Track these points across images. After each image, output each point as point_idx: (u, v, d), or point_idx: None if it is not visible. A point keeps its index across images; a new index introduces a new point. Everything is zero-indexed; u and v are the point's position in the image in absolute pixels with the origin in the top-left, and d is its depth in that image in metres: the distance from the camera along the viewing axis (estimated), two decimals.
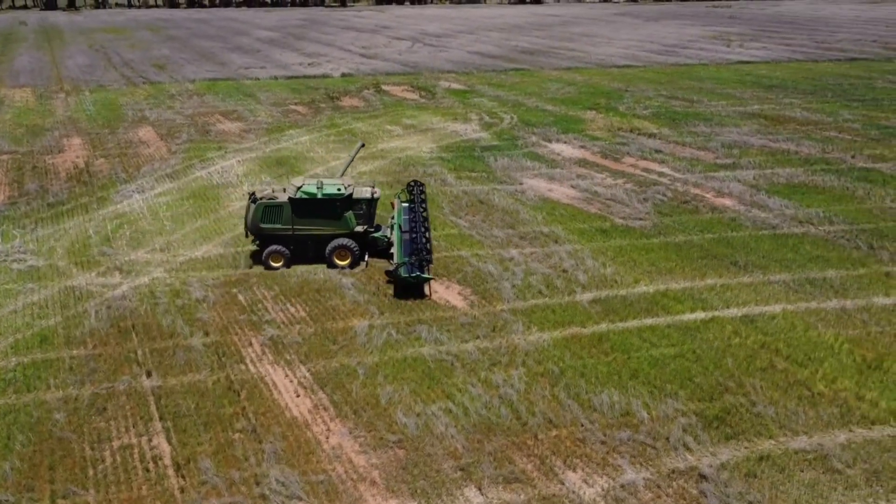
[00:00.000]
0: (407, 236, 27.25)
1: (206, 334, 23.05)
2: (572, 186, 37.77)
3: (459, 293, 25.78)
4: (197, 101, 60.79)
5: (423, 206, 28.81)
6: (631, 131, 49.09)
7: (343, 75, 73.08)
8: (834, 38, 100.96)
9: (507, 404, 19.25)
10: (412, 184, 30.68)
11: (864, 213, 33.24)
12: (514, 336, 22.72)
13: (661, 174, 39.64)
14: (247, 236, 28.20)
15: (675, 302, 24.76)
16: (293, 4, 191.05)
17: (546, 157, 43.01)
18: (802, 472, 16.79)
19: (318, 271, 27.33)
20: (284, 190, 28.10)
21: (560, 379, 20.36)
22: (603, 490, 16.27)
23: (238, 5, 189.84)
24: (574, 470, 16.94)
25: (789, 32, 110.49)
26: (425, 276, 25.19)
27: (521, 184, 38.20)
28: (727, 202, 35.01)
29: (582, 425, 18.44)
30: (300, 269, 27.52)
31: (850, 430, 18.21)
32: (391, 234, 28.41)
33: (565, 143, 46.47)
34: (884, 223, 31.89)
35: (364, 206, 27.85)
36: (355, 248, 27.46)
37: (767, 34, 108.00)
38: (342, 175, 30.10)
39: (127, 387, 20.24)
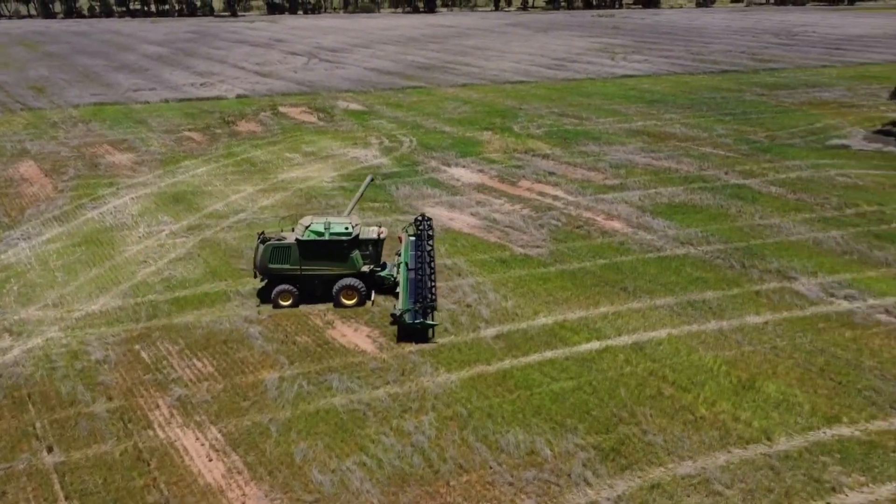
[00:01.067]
0: (412, 275, 27.97)
1: (110, 399, 22.57)
2: (472, 214, 39.06)
3: (368, 336, 26.36)
4: (83, 130, 58.21)
5: (430, 242, 29.75)
6: (526, 152, 51.08)
7: (238, 97, 71.80)
8: (708, 50, 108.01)
9: (420, 452, 20.04)
10: (419, 218, 31.71)
11: (736, 231, 36.26)
12: (423, 379, 23.55)
13: (555, 198, 41.60)
14: (255, 276, 29.03)
15: (572, 333, 26.33)
16: (180, 14, 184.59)
17: (446, 184, 44.17)
18: (689, 496, 18.51)
19: (224, 321, 27.19)
20: (293, 229, 28.91)
21: (468, 421, 21.36)
22: None
23: (121, 15, 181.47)
24: None
25: (668, 44, 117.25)
26: (430, 322, 25.71)
27: (423, 213, 39.08)
28: (616, 225, 37.27)
29: (491, 468, 19.49)
30: (205, 320, 27.28)
31: (729, 452, 20.16)
32: (397, 272, 28.94)
33: (464, 167, 47.83)
34: (754, 241, 34.94)
35: (370, 247, 28.46)
36: (362, 288, 28.00)
37: (648, 46, 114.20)
38: (349, 213, 30.23)
39: (27, 465, 19.62)
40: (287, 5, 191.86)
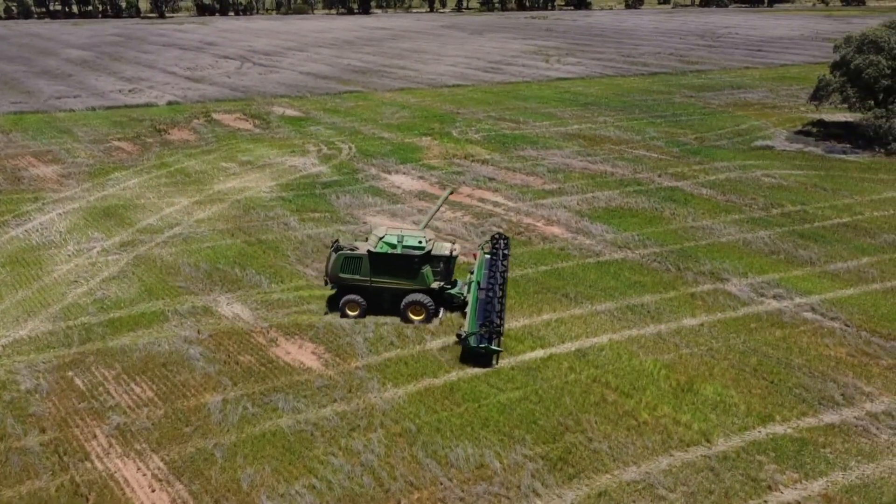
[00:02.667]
0: (482, 295, 27.50)
1: (43, 431, 21.63)
2: (415, 223, 39.00)
3: (313, 352, 26.06)
4: (3, 141, 55.54)
5: (505, 263, 29.12)
6: (465, 158, 51.39)
7: (169, 103, 69.80)
8: (638, 52, 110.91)
9: (369, 471, 19.94)
10: (497, 236, 31.20)
11: (671, 234, 37.39)
12: (370, 395, 23.43)
13: (496, 204, 42.01)
14: (326, 284, 28.76)
15: (517, 342, 26.64)
16: (104, 15, 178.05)
17: (387, 192, 44.03)
18: (634, 502, 18.99)
19: (162, 342, 26.42)
20: (367, 239, 28.65)
21: (417, 437, 21.37)
22: None
23: (40, 17, 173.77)
24: None
25: (599, 46, 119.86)
26: (494, 347, 24.89)
27: (364, 223, 38.90)
28: (556, 230, 37.90)
29: (441, 483, 19.56)
30: (142, 342, 26.44)
31: (671, 455, 20.79)
32: (468, 291, 28.35)
33: (404, 174, 47.79)
34: (687, 243, 36.10)
35: (442, 264, 27.98)
36: (430, 305, 27.53)
37: (580, 48, 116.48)
38: (425, 227, 29.77)
39: None
40: (217, 6, 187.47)
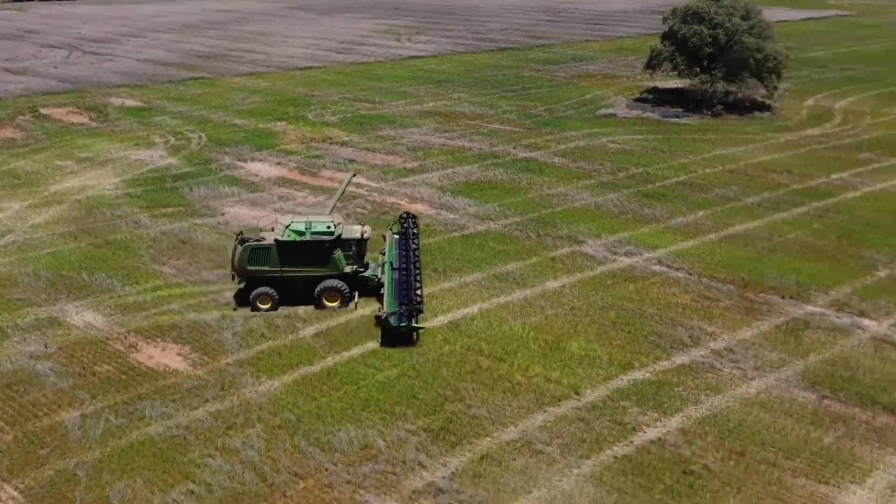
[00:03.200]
0: (397, 275, 26.60)
1: None
2: (276, 210, 37.97)
3: (178, 353, 24.88)
4: None
5: (416, 241, 28.32)
6: (323, 141, 50.56)
7: None
8: (486, 28, 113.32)
9: (251, 468, 19.45)
10: (404, 216, 30.54)
11: (529, 203, 38.93)
12: (244, 390, 22.76)
13: (358, 185, 41.73)
14: (233, 279, 27.76)
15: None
16: None
17: (244, 181, 42.51)
18: (515, 460, 19.85)
19: (4, 361, 24.15)
20: (272, 229, 27.56)
21: (298, 427, 21.07)
22: None
23: None
24: None
25: (448, 23, 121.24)
26: (416, 325, 24.56)
27: (223, 214, 37.40)
28: (420, 207, 38.31)
29: (327, 469, 19.45)
30: None
31: (545, 411, 21.87)
32: (381, 273, 27.43)
33: (261, 161, 46.30)
34: (545, 211, 37.76)
35: (353, 247, 27.49)
36: (345, 290, 27.02)
37: (430, 26, 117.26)
38: (331, 211, 28.88)
39: None
40: None
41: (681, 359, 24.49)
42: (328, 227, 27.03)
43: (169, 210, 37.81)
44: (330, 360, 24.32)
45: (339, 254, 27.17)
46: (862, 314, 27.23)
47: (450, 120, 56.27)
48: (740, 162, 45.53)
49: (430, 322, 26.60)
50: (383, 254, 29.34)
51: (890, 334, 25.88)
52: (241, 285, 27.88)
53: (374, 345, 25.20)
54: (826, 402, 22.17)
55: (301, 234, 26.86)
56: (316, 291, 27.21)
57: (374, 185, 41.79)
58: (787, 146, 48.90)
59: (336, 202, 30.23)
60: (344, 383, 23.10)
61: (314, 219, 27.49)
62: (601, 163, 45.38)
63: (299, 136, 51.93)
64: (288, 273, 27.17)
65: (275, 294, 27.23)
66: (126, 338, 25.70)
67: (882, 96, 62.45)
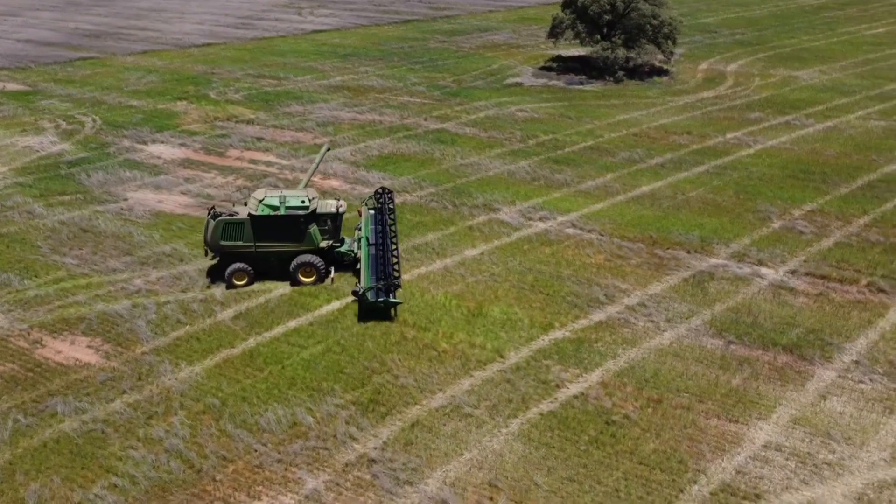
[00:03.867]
0: (374, 251, 25.82)
1: None
2: (183, 193, 36.61)
3: (89, 346, 23.75)
4: None
5: (392, 216, 27.50)
6: (228, 119, 48.85)
7: None
8: (389, 0, 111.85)
9: (176, 456, 18.91)
10: (380, 191, 29.45)
11: (443, 173, 39.07)
12: (164, 378, 22.02)
13: (268, 163, 40.69)
14: (206, 254, 27.53)
15: (311, 298, 26.47)
16: None
17: (146, 164, 40.61)
18: (445, 425, 20.17)
19: None
20: (245, 203, 27.08)
21: (223, 410, 20.61)
22: None
23: None
24: (259, 498, 17.71)
25: None
26: (393, 300, 24.05)
27: (125, 200, 35.68)
28: (334, 183, 37.78)
29: (256, 451, 19.16)
30: None
31: (471, 376, 22.26)
32: (357, 247, 27.40)
33: (163, 142, 44.31)
34: (460, 181, 38.01)
35: (329, 221, 27.02)
36: (320, 265, 26.63)
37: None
38: (305, 185, 28.23)
39: None
40: None
41: (598, 316, 25.41)
42: (302, 202, 26.50)
43: (66, 198, 35.72)
44: (251, 342, 23.83)
45: (314, 229, 26.64)
46: (760, 263, 29.01)
47: (358, 94, 55.48)
48: (643, 125, 47.19)
49: (351, 296, 26.45)
50: (359, 229, 28.88)
51: (785, 280, 27.73)
52: (215, 261, 27.45)
53: (295, 323, 24.85)
54: (732, 347, 23.60)
55: (275, 208, 26.26)
56: (291, 267, 26.72)
57: (284, 162, 40.83)
58: (685, 108, 51.03)
59: (310, 177, 29.43)
60: (268, 364, 22.71)
61: (288, 193, 26.88)
62: (511, 131, 45.99)
63: (202, 115, 49.94)
64: (262, 248, 26.69)
65: (250, 270, 26.79)
66: (29, 334, 24.29)
67: (768, 59, 65.98)
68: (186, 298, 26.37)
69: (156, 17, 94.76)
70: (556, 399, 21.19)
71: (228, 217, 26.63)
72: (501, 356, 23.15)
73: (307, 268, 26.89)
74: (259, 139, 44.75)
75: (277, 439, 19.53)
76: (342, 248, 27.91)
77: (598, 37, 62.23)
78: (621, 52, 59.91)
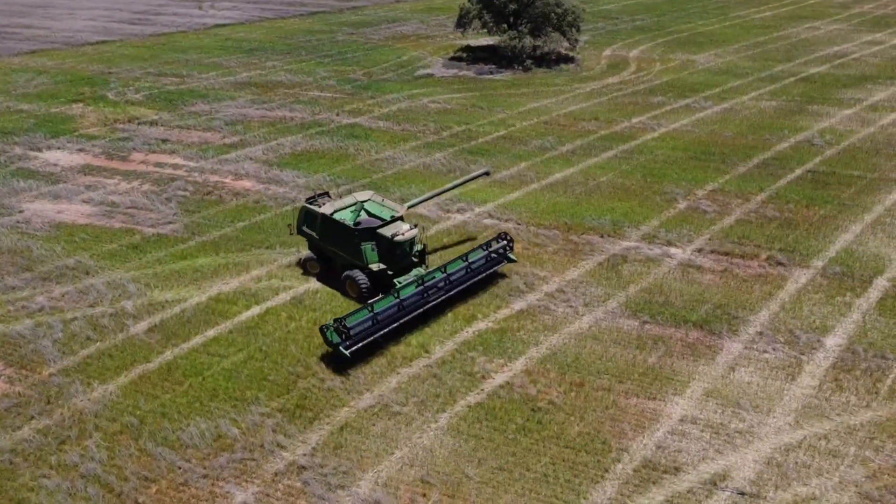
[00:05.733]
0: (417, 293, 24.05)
1: None
2: (85, 201, 34.82)
3: None
4: None
5: (485, 266, 26.31)
6: (129, 122, 46.74)
7: None
8: None
9: (94, 481, 18.10)
10: (502, 235, 27.45)
11: (359, 169, 38.73)
12: (75, 400, 20.98)
13: (175, 166, 39.22)
14: (291, 234, 27.94)
15: (230, 304, 25.79)
16: None
17: (42, 172, 38.36)
18: (374, 425, 20.13)
19: None
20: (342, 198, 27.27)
21: (142, 429, 19.84)
22: None
23: None
24: None
25: None
26: (342, 350, 21.91)
27: (21, 212, 33.63)
28: (247, 184, 36.83)
29: (180, 468, 18.57)
30: None
31: (398, 373, 22.27)
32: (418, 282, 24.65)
33: (59, 148, 41.96)
34: (375, 175, 37.77)
35: (387, 244, 24.84)
36: (363, 285, 24.98)
37: None
38: (412, 205, 27.98)
39: None
40: None
41: (519, 305, 25.90)
42: (352, 212, 26.05)
43: None
44: (168, 355, 23.00)
45: (366, 247, 24.98)
46: (669, 244, 30.28)
47: (267, 90, 54.17)
48: (553, 113, 48.21)
49: (272, 301, 25.96)
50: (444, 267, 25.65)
51: (693, 259, 29.06)
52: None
53: (214, 332, 24.16)
54: (647, 326, 24.57)
55: (353, 213, 25.96)
56: (342, 277, 25.87)
57: (192, 164, 39.44)
58: (592, 95, 52.45)
59: (429, 198, 28.76)
60: (187, 376, 21.99)
61: (379, 206, 26.24)
62: (424, 123, 46.03)
63: (100, 118, 47.55)
64: (326, 247, 26.41)
65: (317, 263, 26.71)
66: None
67: (668, 44, 68.59)
68: (95, 313, 25.17)
69: (42, 14, 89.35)
70: (482, 390, 21.50)
71: (310, 205, 26.75)
72: (427, 351, 23.26)
73: (350, 282, 25.51)
74: (164, 141, 43.04)
75: (202, 454, 18.98)
76: (400, 278, 25.33)
77: (506, 26, 62.99)
78: (528, 41, 60.87)
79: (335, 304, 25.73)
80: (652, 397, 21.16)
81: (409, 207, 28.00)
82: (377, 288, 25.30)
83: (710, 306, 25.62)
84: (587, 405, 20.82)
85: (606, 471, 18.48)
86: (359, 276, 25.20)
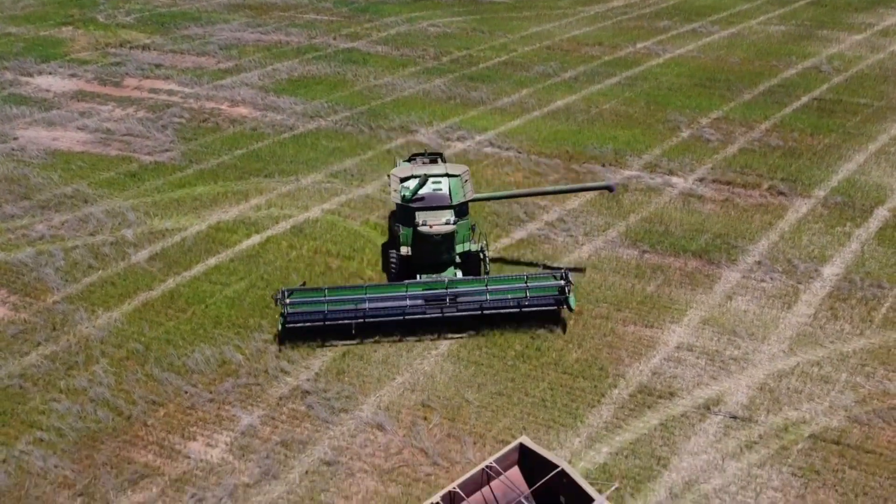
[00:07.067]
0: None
1: None
2: (79, 128, 34.34)
3: None
4: None
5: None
6: (121, 46, 45.58)
7: None
8: None
9: (103, 404, 18.53)
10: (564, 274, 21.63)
11: (357, 95, 38.03)
12: (80, 327, 21.26)
13: (170, 92, 38.49)
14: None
15: (230, 233, 25.81)
16: None
17: (35, 98, 37.67)
18: (376, 352, 20.46)
19: None
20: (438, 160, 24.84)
21: (148, 355, 20.18)
22: (227, 445, 17.52)
23: None
24: (194, 439, 17.70)
25: None
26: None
27: (15, 139, 33.21)
28: (243, 111, 36.24)
29: (186, 392, 18.98)
30: None
31: None
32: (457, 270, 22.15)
33: (51, 74, 41.08)
34: (374, 102, 37.13)
35: (415, 232, 21.56)
36: (393, 263, 22.14)
37: None
38: (506, 197, 23.99)
39: None
40: None
41: (519, 234, 25.92)
42: (404, 190, 22.28)
43: None
44: (171, 283, 23.17)
45: (403, 231, 22.11)
46: (671, 173, 30.05)
47: (261, 13, 52.62)
48: (556, 38, 46.98)
49: (272, 229, 25.96)
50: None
51: (694, 188, 28.91)
52: None
53: (215, 261, 24.26)
54: (646, 255, 24.67)
55: (416, 184, 22.10)
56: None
57: (187, 90, 38.69)
58: (597, 18, 50.97)
59: (531, 194, 24.39)
60: (190, 304, 22.22)
61: (441, 181, 22.68)
62: (424, 48, 44.92)
63: (91, 41, 46.34)
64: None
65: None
66: None
67: None
68: (96, 242, 25.21)
69: None
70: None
71: (396, 168, 23.88)
72: None
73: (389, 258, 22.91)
74: (158, 66, 42.09)
75: (207, 379, 19.38)
76: (426, 275, 22.17)
77: None
78: None
79: (335, 232, 25.75)
80: (649, 325, 21.45)
81: (501, 198, 24.45)
82: (405, 273, 22.44)
83: (709, 236, 25.66)
84: (585, 333, 21.11)
85: (603, 395, 18.92)
86: (392, 253, 22.67)
